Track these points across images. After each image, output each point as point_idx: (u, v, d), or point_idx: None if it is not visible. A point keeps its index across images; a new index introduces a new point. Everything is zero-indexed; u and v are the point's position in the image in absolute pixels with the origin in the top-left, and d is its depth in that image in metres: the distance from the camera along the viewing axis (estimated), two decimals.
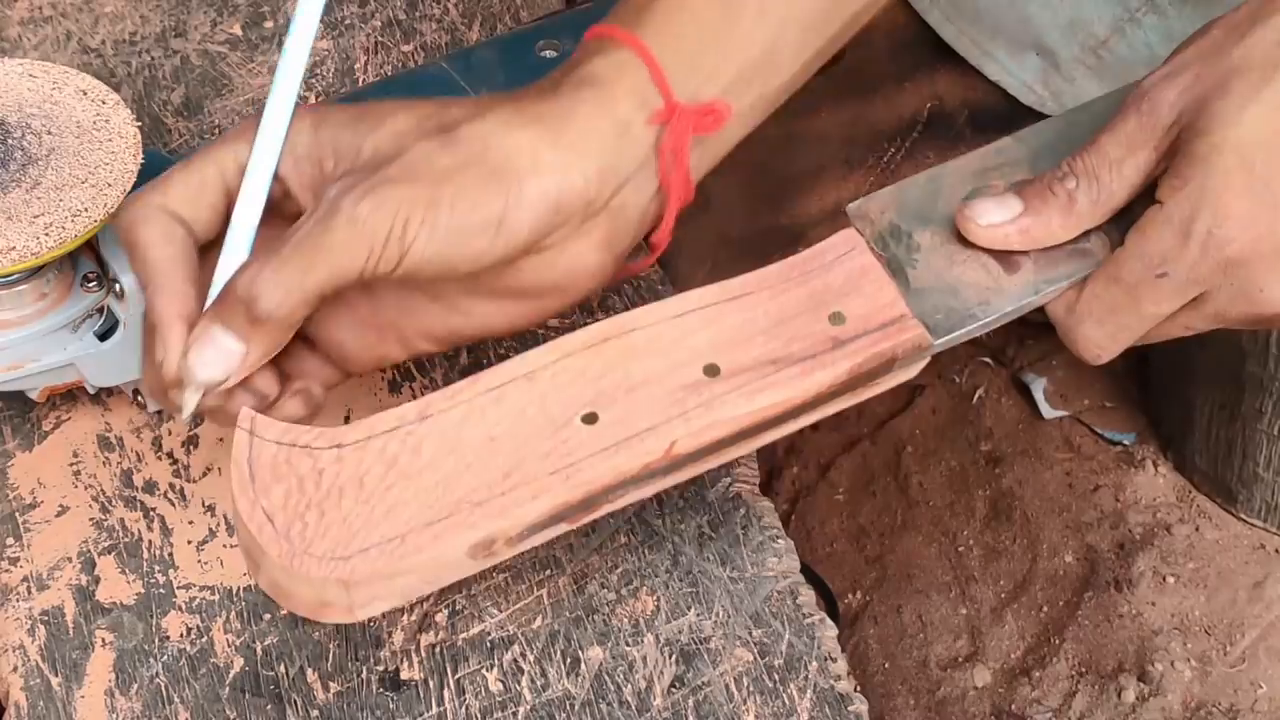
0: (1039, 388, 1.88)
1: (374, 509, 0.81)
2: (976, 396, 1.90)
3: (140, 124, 0.94)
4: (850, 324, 0.88)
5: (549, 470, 0.83)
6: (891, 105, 1.26)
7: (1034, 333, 1.96)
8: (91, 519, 0.96)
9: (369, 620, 0.91)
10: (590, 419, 0.84)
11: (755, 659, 0.91)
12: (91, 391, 0.98)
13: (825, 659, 0.91)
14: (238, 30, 1.19)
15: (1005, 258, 0.90)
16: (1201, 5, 1.17)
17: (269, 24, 1.20)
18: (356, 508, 0.81)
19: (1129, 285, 0.87)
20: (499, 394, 0.84)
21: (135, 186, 0.91)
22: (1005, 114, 1.26)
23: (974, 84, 1.25)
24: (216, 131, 1.13)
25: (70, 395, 1.00)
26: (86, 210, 0.89)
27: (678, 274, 1.32)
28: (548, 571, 0.94)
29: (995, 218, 0.89)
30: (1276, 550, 1.74)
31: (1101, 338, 0.88)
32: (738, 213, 1.30)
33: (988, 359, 1.94)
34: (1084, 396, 1.87)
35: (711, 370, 0.86)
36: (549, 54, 1.07)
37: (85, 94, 0.95)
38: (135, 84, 1.16)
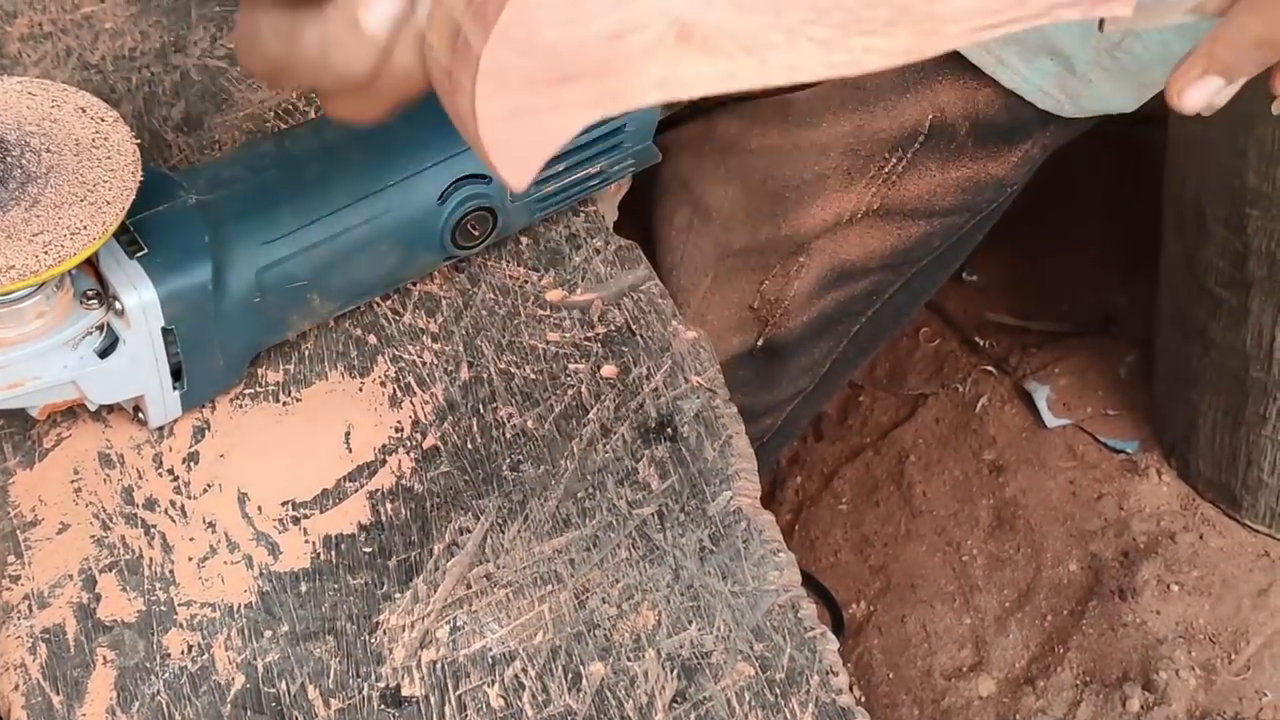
0: (1042, 396, 1.88)
1: None
2: (979, 405, 1.90)
3: (140, 140, 0.94)
4: None
5: None
6: (893, 116, 1.26)
7: (1036, 341, 1.96)
8: (92, 536, 0.96)
9: (370, 637, 0.91)
10: None
11: (757, 673, 0.91)
12: (92, 409, 0.98)
13: (827, 673, 0.91)
14: None
15: None
16: None
17: None
18: None
19: None
20: None
21: (133, 204, 0.91)
22: (1006, 125, 1.26)
23: (975, 95, 1.25)
24: (217, 147, 1.13)
25: (71, 412, 1.00)
26: (85, 228, 0.89)
27: (679, 286, 1.32)
28: (549, 587, 0.94)
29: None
30: None
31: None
32: (739, 224, 1.30)
33: (990, 368, 1.94)
34: (1087, 405, 1.87)
35: None
36: None
37: (84, 111, 0.95)
38: (135, 99, 1.16)
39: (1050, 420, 1.86)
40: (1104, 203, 2.06)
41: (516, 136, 0.71)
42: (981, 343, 1.97)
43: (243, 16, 0.78)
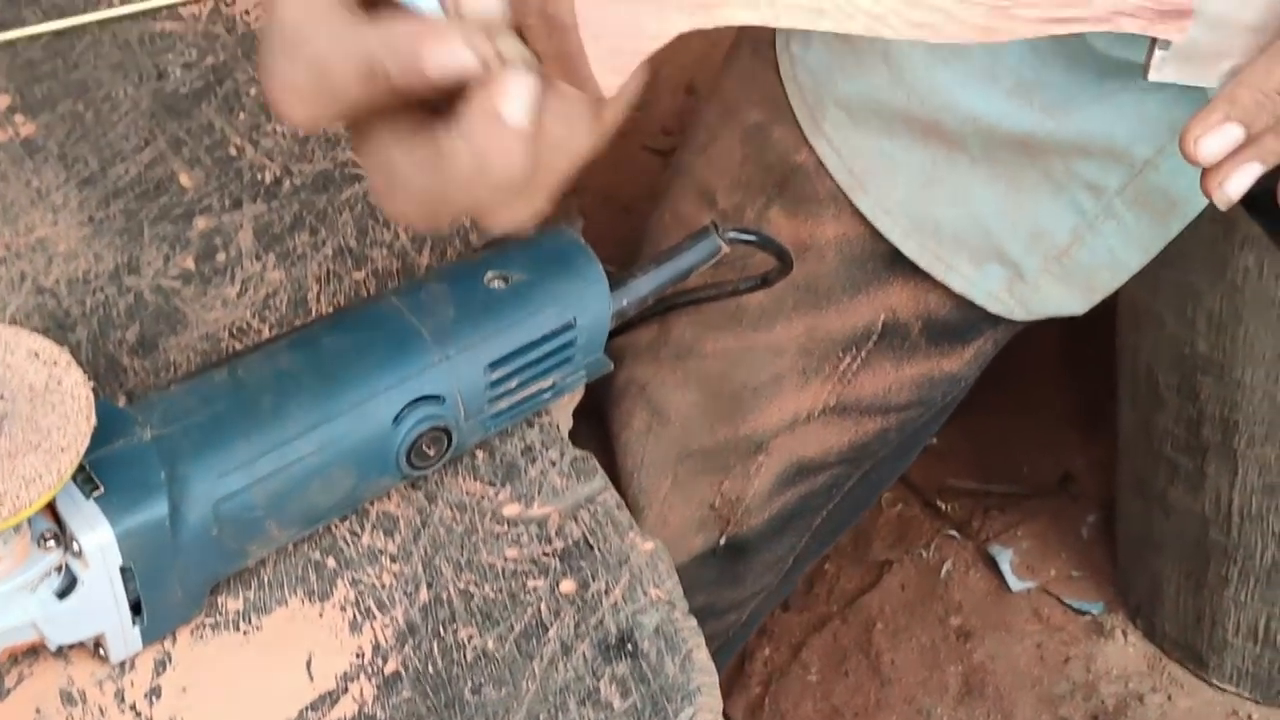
0: (1005, 560, 1.88)
1: None
2: (944, 570, 1.90)
3: (95, 366, 0.95)
4: None
5: None
6: (845, 317, 1.27)
7: (998, 503, 1.96)
8: None
9: None
10: None
11: None
12: (52, 650, 0.98)
13: None
14: (190, 264, 1.20)
15: None
16: (1159, 211, 1.19)
17: (221, 256, 1.20)
18: None
19: None
20: None
21: (88, 447, 0.91)
22: (958, 324, 1.28)
23: (926, 297, 1.26)
24: (173, 369, 1.13)
25: (32, 650, 1.00)
26: (41, 476, 0.89)
27: (640, 489, 1.33)
28: None
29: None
30: (1249, 716, 1.74)
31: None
32: (698, 426, 1.31)
33: (954, 532, 1.95)
34: (1050, 567, 1.87)
35: None
36: (498, 285, 1.07)
37: (37, 356, 0.95)
38: (90, 323, 1.16)
39: (1014, 584, 1.87)
40: (1060, 364, 2.07)
41: (612, 25, 0.72)
42: (944, 507, 1.97)
43: (373, 166, 0.77)
